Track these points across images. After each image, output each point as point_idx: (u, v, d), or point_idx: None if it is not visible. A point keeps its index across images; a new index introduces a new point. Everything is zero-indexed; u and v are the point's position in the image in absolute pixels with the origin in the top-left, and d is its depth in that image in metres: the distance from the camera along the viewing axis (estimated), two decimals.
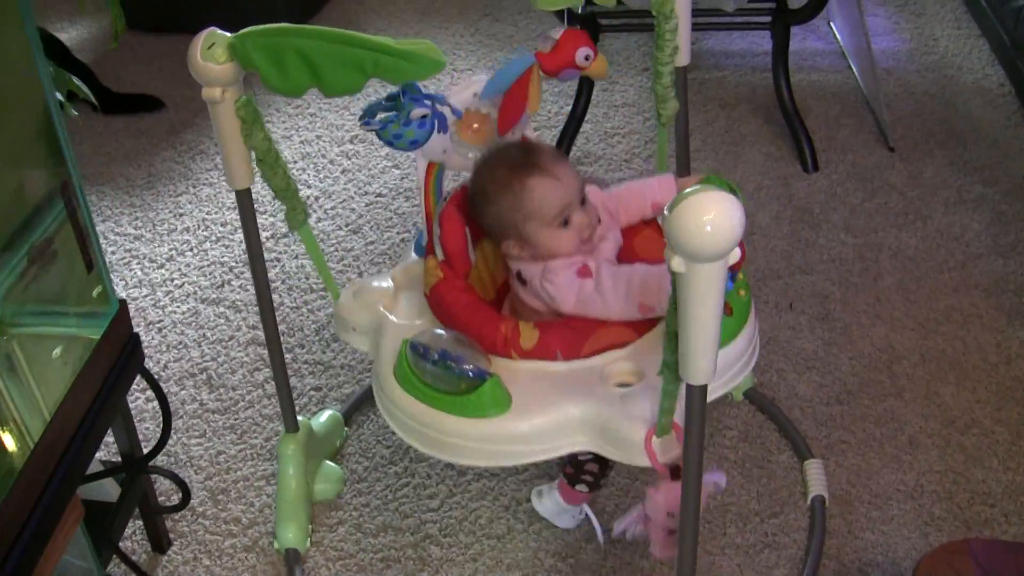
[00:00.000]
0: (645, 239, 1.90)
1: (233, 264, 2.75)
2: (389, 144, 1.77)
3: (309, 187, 3.01)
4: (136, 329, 2.36)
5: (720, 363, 1.61)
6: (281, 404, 2.06)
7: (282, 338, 2.46)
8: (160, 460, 2.23)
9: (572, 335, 1.72)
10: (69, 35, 3.88)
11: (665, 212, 1.26)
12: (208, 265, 2.75)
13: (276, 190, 1.81)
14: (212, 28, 1.68)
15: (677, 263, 1.27)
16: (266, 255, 2.74)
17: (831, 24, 3.48)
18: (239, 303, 2.63)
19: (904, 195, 2.79)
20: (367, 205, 2.93)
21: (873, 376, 2.30)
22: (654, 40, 1.95)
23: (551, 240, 1.77)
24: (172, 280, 2.72)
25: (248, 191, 1.81)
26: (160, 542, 2.09)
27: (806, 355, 2.36)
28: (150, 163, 3.16)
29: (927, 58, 3.37)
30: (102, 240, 2.86)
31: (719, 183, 1.79)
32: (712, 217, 1.22)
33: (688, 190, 1.23)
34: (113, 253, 2.83)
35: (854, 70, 3.25)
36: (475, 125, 1.94)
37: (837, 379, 2.30)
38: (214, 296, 2.66)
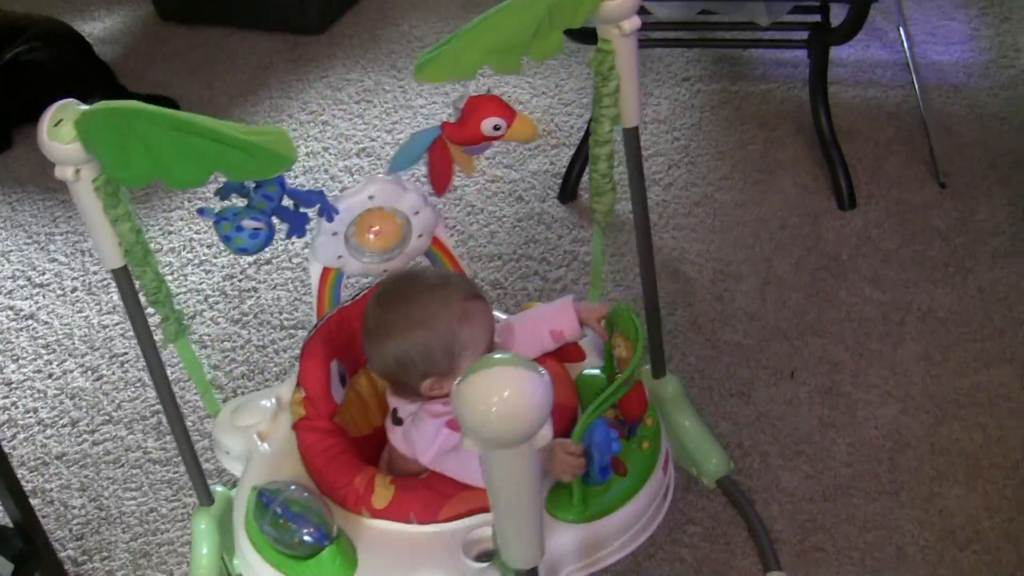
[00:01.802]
0: None
1: (209, 293, 2.59)
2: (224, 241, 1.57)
3: None
4: (100, 362, 2.24)
5: (610, 529, 1.52)
6: (190, 475, 1.90)
7: (241, 381, 2.31)
8: (91, 513, 2.12)
9: (431, 496, 1.54)
10: (104, 24, 3.76)
11: (455, 385, 1.07)
12: (184, 292, 2.60)
13: (145, 291, 1.63)
14: (66, 101, 1.50)
15: (469, 443, 1.07)
16: (244, 283, 2.58)
17: (900, 30, 3.11)
18: (207, 338, 2.48)
19: (948, 241, 2.46)
20: None
21: (870, 468, 2.02)
22: (593, 104, 1.71)
23: None
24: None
25: (124, 269, 1.63)
26: None
27: (798, 436, 2.09)
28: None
29: (1004, 73, 2.98)
30: (87, 259, 2.74)
31: (625, 318, 1.57)
32: (505, 398, 1.03)
33: (480, 362, 1.03)
34: (95, 273, 2.70)
35: (915, 86, 2.89)
36: (375, 227, 1.75)
37: (828, 469, 2.03)
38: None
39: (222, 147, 1.39)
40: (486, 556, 1.51)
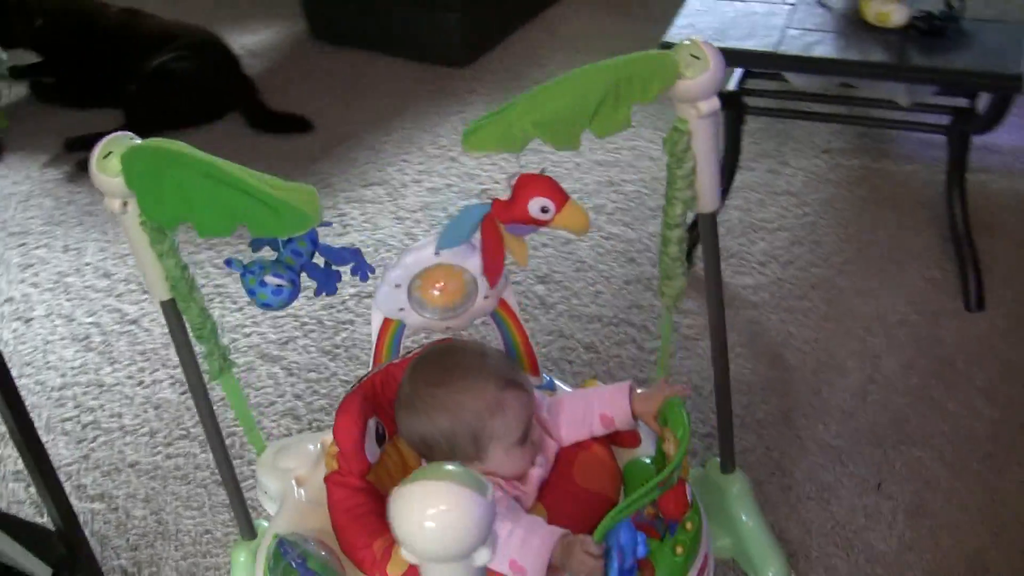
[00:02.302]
0: (586, 463, 1.60)
1: (306, 320, 2.59)
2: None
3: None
4: None
5: None
6: (233, 507, 1.88)
7: (319, 414, 2.29)
8: (149, 526, 2.14)
9: None
10: (257, 37, 3.82)
11: (393, 491, 1.01)
12: (281, 316, 2.60)
13: (191, 325, 1.62)
14: (118, 133, 1.49)
15: (404, 553, 1.01)
16: (342, 315, 2.57)
17: None
18: (294, 365, 2.47)
19: None
20: None
21: None
22: (667, 185, 1.62)
23: (511, 462, 1.53)
24: (243, 327, 2.59)
25: (172, 302, 1.61)
26: None
27: (872, 555, 1.95)
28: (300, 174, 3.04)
29: None
30: (198, 271, 2.77)
31: (676, 413, 1.47)
32: (437, 513, 0.97)
33: (411, 480, 0.96)
34: (203, 286, 2.73)
35: None
36: (439, 284, 1.69)
37: None
38: (276, 353, 2.51)
39: (248, 199, 1.36)
40: None
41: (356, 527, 1.55)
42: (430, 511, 0.97)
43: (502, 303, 1.77)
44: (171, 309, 1.62)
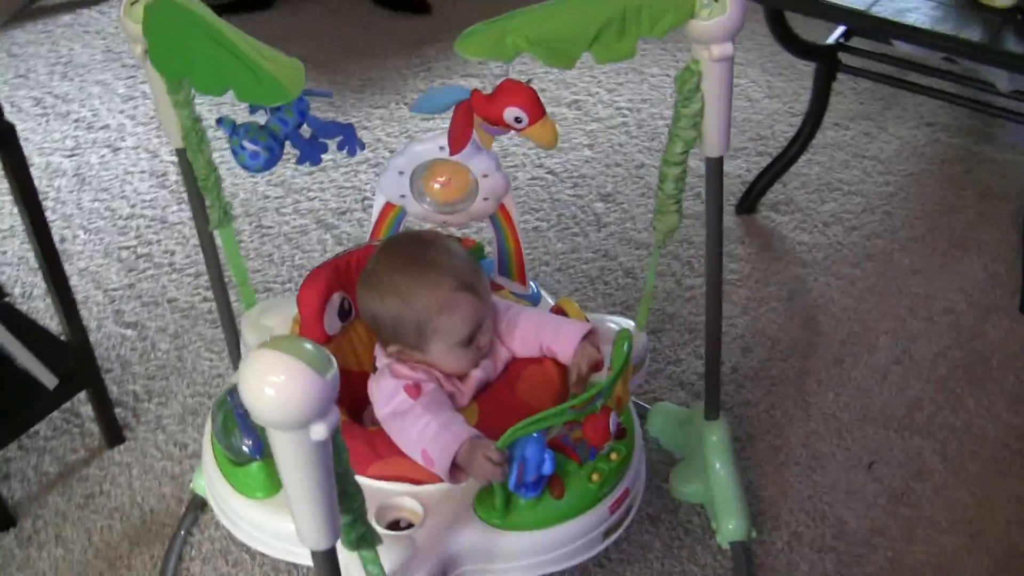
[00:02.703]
0: (532, 377, 1.62)
1: (367, 196, 2.63)
2: None
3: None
4: (245, 227, 2.27)
5: (520, 546, 1.48)
6: (230, 354, 1.95)
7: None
8: (171, 360, 2.24)
9: (365, 450, 1.53)
10: None
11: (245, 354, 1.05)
12: (346, 187, 2.65)
13: (197, 175, 1.68)
14: None
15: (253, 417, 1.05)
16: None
17: None
18: (344, 236, 2.53)
19: None
20: None
21: None
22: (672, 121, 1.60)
23: (450, 360, 1.57)
24: (309, 190, 2.66)
25: (184, 151, 1.68)
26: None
27: (840, 532, 1.92)
28: (380, 65, 3.07)
29: None
30: None
31: (618, 344, 1.48)
32: (276, 382, 1.00)
33: (261, 346, 1.01)
34: None
35: None
36: (441, 178, 1.72)
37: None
38: (331, 221, 2.57)
39: (238, 65, 1.40)
40: (395, 525, 1.49)
41: None
42: (271, 378, 1.00)
43: (502, 208, 1.78)
44: (183, 157, 1.68)
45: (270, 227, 2.55)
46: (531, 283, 1.86)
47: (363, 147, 1.66)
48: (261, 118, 1.59)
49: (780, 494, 1.98)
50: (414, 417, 1.48)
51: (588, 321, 1.68)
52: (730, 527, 1.87)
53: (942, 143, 2.74)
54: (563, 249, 2.47)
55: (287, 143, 1.58)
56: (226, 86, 1.43)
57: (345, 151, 1.64)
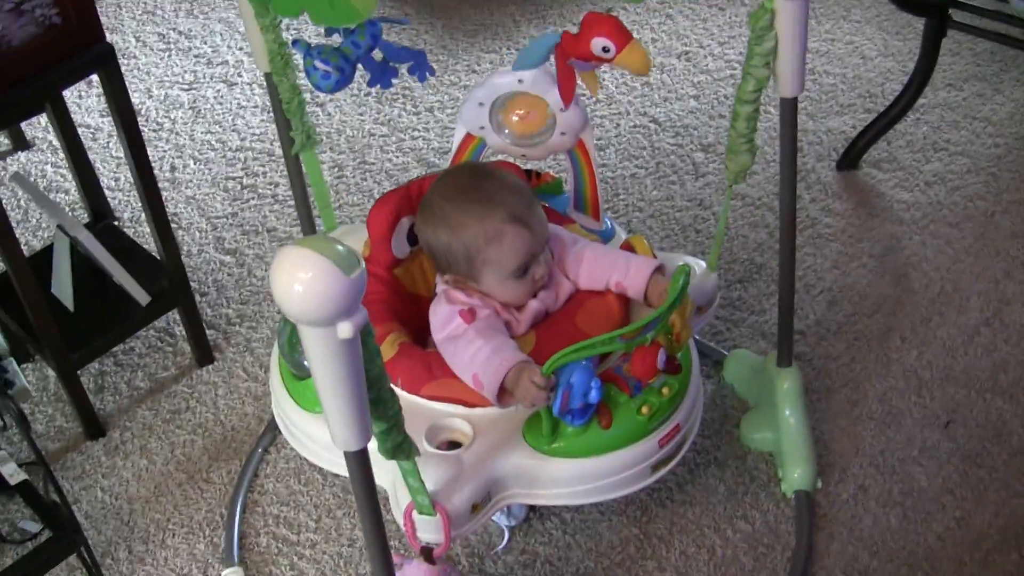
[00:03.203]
0: (592, 310, 1.63)
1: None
2: None
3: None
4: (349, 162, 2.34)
5: (564, 473, 1.52)
6: None
7: None
8: (264, 286, 2.32)
9: (420, 370, 1.57)
10: None
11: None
12: (448, 129, 2.69)
13: (282, 99, 1.72)
14: None
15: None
16: None
17: None
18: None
19: None
20: None
21: (956, 555, 1.81)
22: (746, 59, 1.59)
23: (502, 289, 1.60)
24: (414, 129, 2.70)
25: (271, 76, 1.73)
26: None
27: (908, 489, 1.91)
28: (496, 10, 3.08)
29: None
30: None
31: (674, 281, 1.48)
32: (305, 279, 1.05)
33: (302, 240, 1.05)
34: None
35: None
36: (520, 111, 1.75)
37: (915, 535, 1.85)
38: (432, 160, 2.61)
39: None
40: (446, 446, 1.53)
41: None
42: (299, 275, 1.03)
43: (580, 144, 1.79)
44: (271, 82, 1.73)
45: (372, 163, 2.60)
46: (606, 220, 1.87)
47: (433, 72, 1.69)
48: (337, 42, 1.63)
49: (851, 448, 1.96)
50: (467, 341, 1.51)
51: (656, 258, 1.68)
52: (795, 476, 1.87)
53: None
54: (659, 196, 2.47)
55: (359, 66, 1.61)
56: (301, 7, 1.47)
57: (416, 76, 1.67)
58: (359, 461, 1.21)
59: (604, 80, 2.78)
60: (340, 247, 1.05)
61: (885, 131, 2.48)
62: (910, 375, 2.07)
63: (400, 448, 1.29)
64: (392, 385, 1.51)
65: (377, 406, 1.21)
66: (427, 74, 1.67)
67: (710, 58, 2.85)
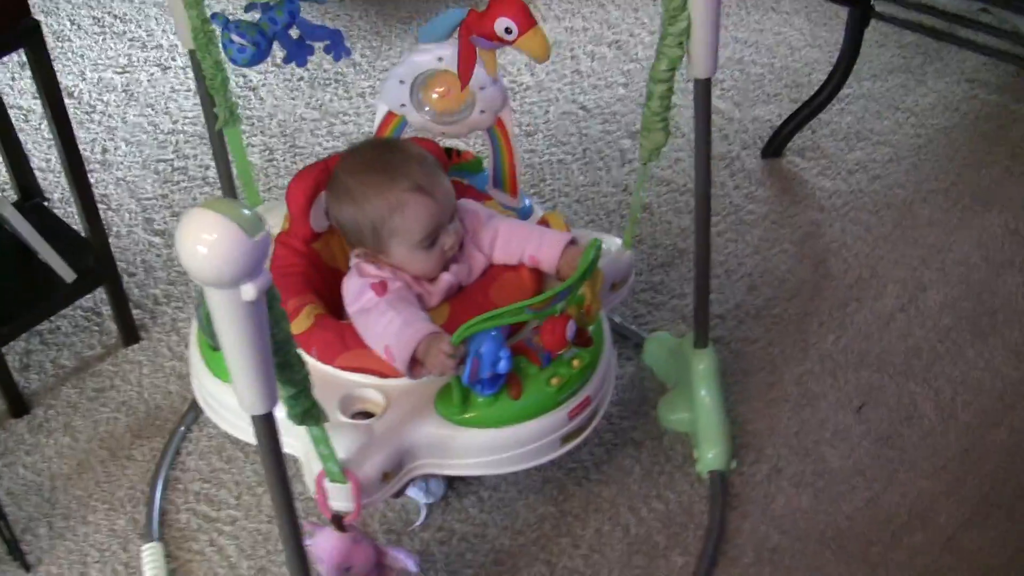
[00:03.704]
0: (506, 283, 1.65)
1: None
2: None
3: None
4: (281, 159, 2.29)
5: (474, 443, 1.54)
6: None
7: None
8: None
9: (334, 341, 1.59)
10: None
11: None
12: None
13: (206, 75, 1.73)
14: None
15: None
16: None
17: None
18: None
19: None
20: None
21: (866, 537, 1.86)
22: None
23: (412, 260, 1.61)
24: (344, 113, 2.71)
25: (194, 53, 1.73)
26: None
27: (821, 470, 1.95)
28: None
29: None
30: None
31: (586, 253, 1.50)
32: (209, 240, 1.06)
33: (208, 202, 1.06)
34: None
35: None
36: (440, 89, 1.77)
37: (825, 516, 1.89)
38: None
39: None
40: (360, 417, 1.55)
41: (282, 283, 1.65)
42: (203, 236, 1.04)
43: (499, 123, 1.82)
44: (195, 58, 1.74)
45: (303, 147, 2.61)
46: (524, 197, 1.89)
47: (349, 53, 1.71)
48: (255, 17, 1.64)
49: (767, 429, 1.99)
50: (378, 314, 1.53)
51: (570, 232, 1.70)
52: (710, 456, 1.90)
53: (980, 99, 2.70)
54: (584, 182, 2.50)
55: (275, 43, 1.63)
56: None
57: (331, 55, 1.68)
58: (266, 425, 1.22)
59: (535, 68, 2.80)
60: (245, 210, 1.06)
61: (809, 119, 2.52)
62: (826, 359, 2.11)
63: (309, 414, 1.30)
64: (307, 355, 1.54)
65: (284, 370, 1.22)
66: (343, 54, 1.69)
67: (640, 47, 2.89)
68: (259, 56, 1.61)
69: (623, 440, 1.97)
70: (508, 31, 1.56)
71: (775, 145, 2.54)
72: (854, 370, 2.09)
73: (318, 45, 1.68)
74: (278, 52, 1.69)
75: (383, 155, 1.61)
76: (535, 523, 1.86)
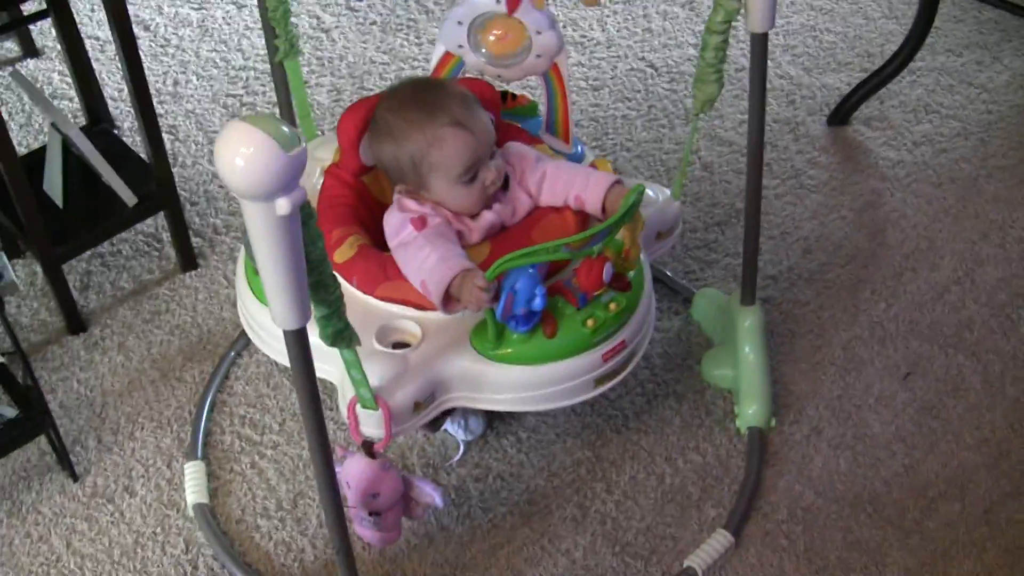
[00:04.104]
0: (549, 224, 1.66)
1: None
2: None
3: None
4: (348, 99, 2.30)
5: (507, 378, 1.56)
6: None
7: None
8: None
9: (375, 271, 1.61)
10: None
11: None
12: None
13: (268, 8, 1.75)
14: None
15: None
16: None
17: None
18: None
19: None
20: None
21: (901, 502, 1.85)
22: None
23: (452, 195, 1.63)
24: (414, 59, 2.73)
25: None
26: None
27: (860, 434, 1.94)
28: None
29: None
30: None
31: (626, 197, 1.51)
32: (245, 153, 1.09)
33: (248, 117, 1.09)
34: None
35: None
36: (497, 31, 1.78)
37: (863, 479, 1.88)
38: None
39: None
40: (398, 347, 1.57)
41: (329, 213, 1.68)
42: (240, 149, 1.07)
43: (555, 69, 1.82)
44: None
45: (370, 90, 2.63)
46: (577, 144, 1.89)
47: None
48: None
49: (810, 391, 1.99)
50: (416, 248, 1.55)
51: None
52: (750, 412, 1.90)
53: None
54: (647, 138, 2.49)
55: None
56: None
57: None
58: (297, 341, 1.24)
59: (607, 24, 2.80)
60: (284, 127, 1.08)
61: (877, 89, 2.50)
62: (876, 326, 2.09)
63: (341, 336, 1.32)
64: (348, 284, 1.57)
65: (318, 290, 1.25)
66: None
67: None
68: None
69: (665, 392, 1.97)
70: None
71: (842, 113, 2.52)
72: (903, 339, 2.07)
73: None
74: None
75: (422, 92, 1.63)
76: (571, 466, 1.87)
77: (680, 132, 2.49)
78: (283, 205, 1.10)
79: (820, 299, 2.14)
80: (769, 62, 2.55)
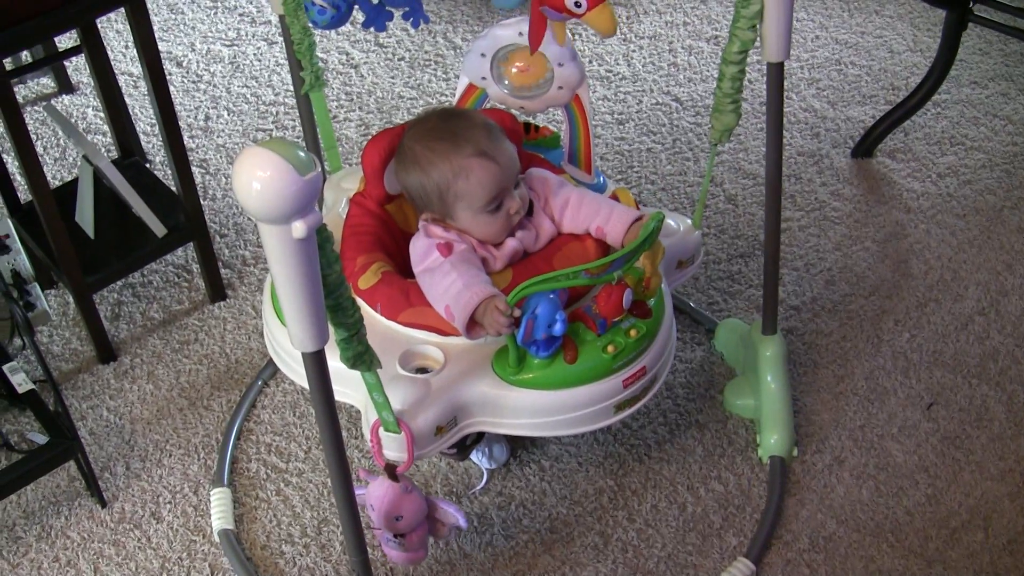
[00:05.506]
0: (571, 253, 1.69)
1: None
2: None
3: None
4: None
5: (526, 402, 1.57)
6: None
7: None
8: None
9: (398, 298, 1.63)
10: None
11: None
12: None
13: (293, 40, 1.79)
14: None
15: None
16: None
17: None
18: None
19: None
20: None
21: (923, 532, 1.84)
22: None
23: (477, 224, 1.66)
24: (442, 93, 2.76)
25: (283, 19, 1.80)
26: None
27: (883, 464, 1.94)
28: None
29: None
30: (430, 36, 2.94)
31: (646, 226, 1.53)
32: (263, 177, 1.11)
33: (256, 145, 1.11)
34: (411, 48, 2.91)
35: None
36: (520, 63, 1.81)
37: (884, 511, 1.87)
38: None
39: None
40: (420, 372, 1.59)
41: (352, 240, 1.71)
42: (257, 173, 1.10)
43: (576, 99, 1.84)
44: (284, 23, 1.80)
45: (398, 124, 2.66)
46: (598, 174, 1.92)
47: (427, 20, 1.75)
48: None
49: (832, 421, 1.99)
50: (442, 274, 1.57)
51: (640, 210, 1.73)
52: (772, 441, 1.90)
53: None
54: (671, 171, 2.51)
55: (356, 8, 1.68)
56: None
57: (410, 22, 1.73)
58: (315, 363, 1.27)
59: (632, 59, 2.83)
60: (300, 151, 1.11)
61: (901, 121, 2.51)
62: (899, 356, 2.09)
63: (360, 359, 1.35)
64: (371, 311, 1.59)
65: (336, 313, 1.27)
66: (421, 20, 1.73)
67: None
68: (339, 19, 1.67)
69: (687, 422, 1.98)
70: (577, 4, 1.60)
71: (866, 145, 2.53)
72: (927, 369, 2.07)
73: (398, 11, 1.72)
74: (358, 16, 1.75)
75: (448, 122, 1.65)
76: (593, 495, 1.88)
77: (704, 165, 2.51)
78: (299, 228, 1.13)
79: (843, 329, 2.14)
80: (794, 95, 2.60)
